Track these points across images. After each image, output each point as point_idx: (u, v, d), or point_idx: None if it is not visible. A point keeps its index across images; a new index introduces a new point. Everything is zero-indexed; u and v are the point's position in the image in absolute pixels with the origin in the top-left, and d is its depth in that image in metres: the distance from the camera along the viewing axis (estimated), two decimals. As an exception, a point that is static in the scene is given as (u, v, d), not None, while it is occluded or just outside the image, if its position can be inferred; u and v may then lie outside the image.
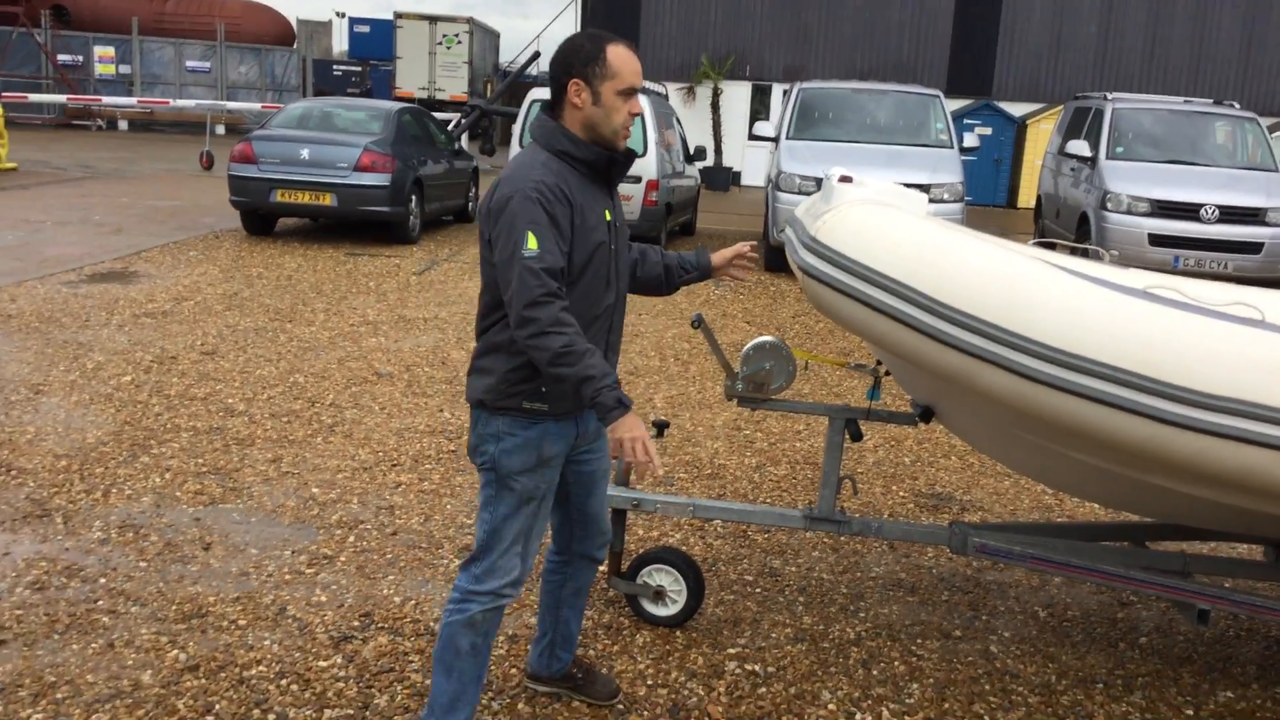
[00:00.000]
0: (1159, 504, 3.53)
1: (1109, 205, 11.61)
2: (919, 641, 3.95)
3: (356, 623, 3.82)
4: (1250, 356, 2.89)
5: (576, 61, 2.72)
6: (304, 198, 11.96)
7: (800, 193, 11.39)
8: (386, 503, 4.93)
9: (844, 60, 23.47)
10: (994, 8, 23.23)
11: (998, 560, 3.76)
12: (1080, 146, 12.46)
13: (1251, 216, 11.36)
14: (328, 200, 11.97)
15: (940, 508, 5.33)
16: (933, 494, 5.52)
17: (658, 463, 2.61)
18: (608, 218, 2.82)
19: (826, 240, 3.27)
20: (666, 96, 15.11)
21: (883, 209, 3.32)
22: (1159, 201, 11.49)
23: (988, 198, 22.29)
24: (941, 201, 11.21)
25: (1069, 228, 12.78)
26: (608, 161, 2.78)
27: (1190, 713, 3.59)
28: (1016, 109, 22.76)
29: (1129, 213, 11.52)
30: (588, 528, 3.18)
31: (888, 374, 3.99)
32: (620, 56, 2.72)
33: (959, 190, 11.42)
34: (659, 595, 3.89)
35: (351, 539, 4.52)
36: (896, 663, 3.78)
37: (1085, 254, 4.04)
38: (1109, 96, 13.00)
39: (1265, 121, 21.57)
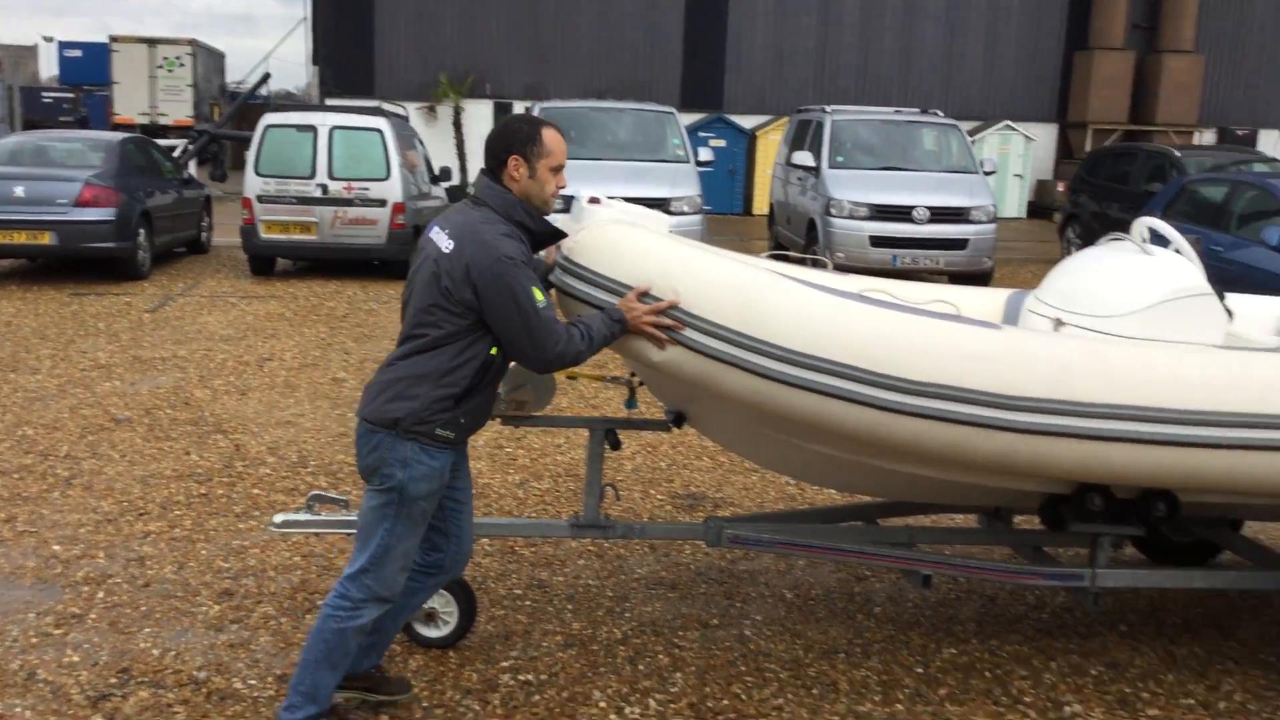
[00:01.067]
0: (887, 484, 3.90)
1: (833, 211, 12.41)
2: (680, 634, 4.18)
3: (114, 679, 3.70)
4: (950, 347, 3.28)
5: (516, 141, 3.19)
6: (19, 237, 11.22)
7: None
8: (136, 554, 4.76)
9: (582, 79, 23.97)
10: (719, 26, 24.29)
11: (749, 549, 4.04)
12: (805, 157, 13.25)
13: (957, 216, 12.41)
14: (46, 239, 11.27)
15: (695, 507, 5.61)
16: (688, 494, 5.80)
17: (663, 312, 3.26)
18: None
19: (578, 259, 3.44)
20: (407, 118, 15.03)
21: (630, 228, 3.52)
22: (877, 206, 12.37)
23: (725, 207, 23.27)
24: (682, 214, 11.67)
25: (799, 233, 13.56)
26: (550, 237, 3.30)
27: (920, 670, 3.97)
28: (747, 121, 23.86)
29: (851, 217, 12.35)
30: (462, 546, 3.55)
31: (642, 384, 4.21)
32: (553, 138, 3.21)
33: (697, 202, 11.92)
34: (430, 617, 3.96)
35: (101, 594, 4.35)
36: (661, 656, 4.00)
37: (813, 263, 4.42)
38: (827, 109, 13.88)
39: (965, 126, 23.49)
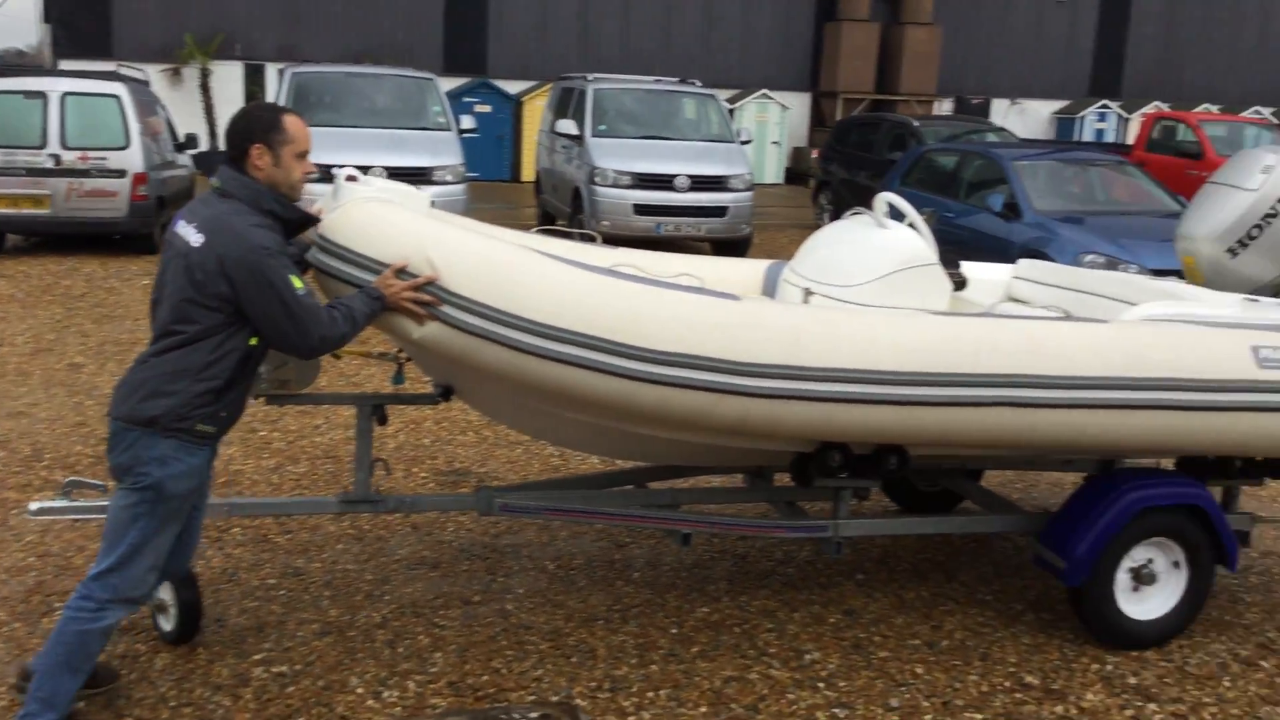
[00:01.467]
0: (647, 449, 4.05)
1: (597, 180, 12.55)
2: (441, 613, 4.20)
3: None
4: (692, 317, 3.43)
5: (257, 129, 3.18)
6: None
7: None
8: None
9: (338, 41, 23.20)
10: (481, -12, 24.01)
11: (519, 516, 4.13)
12: (568, 125, 13.32)
13: (716, 184, 12.78)
14: None
15: (460, 482, 5.62)
16: (452, 470, 5.81)
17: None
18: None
19: (335, 238, 3.44)
20: (148, 83, 14.18)
21: (385, 205, 3.52)
22: (640, 174, 12.59)
23: (493, 174, 23.11)
24: (445, 183, 11.54)
25: (565, 201, 13.65)
26: (300, 224, 3.31)
27: (675, 631, 4.15)
28: (512, 87, 23.73)
29: (615, 186, 12.52)
30: (190, 545, 3.54)
31: (409, 359, 4.21)
32: (295, 123, 3.22)
33: (460, 171, 11.81)
34: (161, 608, 3.83)
35: None
36: (421, 636, 4.01)
37: (583, 237, 4.62)
38: (589, 78, 13.99)
39: (724, 95, 24.15)
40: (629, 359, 3.37)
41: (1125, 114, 26.36)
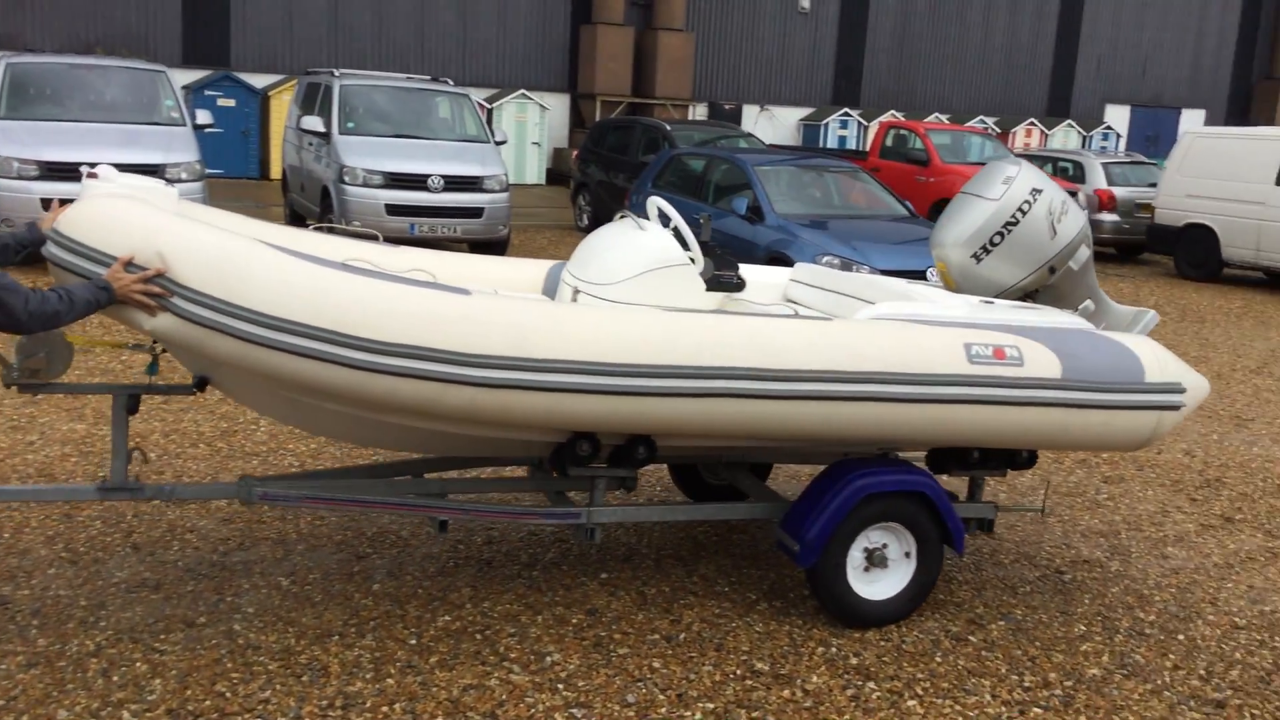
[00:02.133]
0: (403, 439, 4.11)
1: (346, 179, 12.21)
2: (162, 637, 3.98)
3: None
4: (417, 310, 3.56)
5: None
6: None
7: (18, 178, 10.43)
8: None
9: (67, 29, 21.65)
10: (224, -22, 22.91)
11: (278, 504, 4.15)
12: (315, 122, 12.91)
13: (471, 184, 12.68)
14: None
15: (188, 500, 5.33)
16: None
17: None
18: None
19: (67, 232, 3.53)
20: None
21: (117, 200, 3.58)
22: (391, 174, 12.33)
23: (239, 170, 22.14)
24: (180, 181, 10.97)
25: (314, 200, 13.22)
26: None
27: (414, 642, 4.08)
28: (258, 80, 22.79)
29: (365, 185, 12.22)
30: None
31: (165, 350, 4.20)
32: None
33: (197, 169, 11.25)
34: None
35: None
36: (139, 663, 3.78)
37: (368, 236, 4.77)
38: (336, 73, 13.59)
39: (483, 94, 24.01)
40: (357, 350, 3.49)
41: (865, 122, 27.88)
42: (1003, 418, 4.21)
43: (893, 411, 4.07)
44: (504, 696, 3.74)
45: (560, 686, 3.83)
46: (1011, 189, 4.84)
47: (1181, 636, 4.51)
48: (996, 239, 4.87)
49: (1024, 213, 4.81)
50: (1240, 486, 6.51)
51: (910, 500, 4.38)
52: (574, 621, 4.32)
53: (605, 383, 3.70)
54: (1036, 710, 3.88)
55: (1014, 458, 4.75)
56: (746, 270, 5.36)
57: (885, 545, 4.42)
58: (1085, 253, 4.95)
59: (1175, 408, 4.41)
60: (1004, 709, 3.87)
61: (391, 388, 3.55)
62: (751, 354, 3.86)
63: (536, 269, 5.07)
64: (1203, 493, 6.35)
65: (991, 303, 4.73)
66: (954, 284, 5.11)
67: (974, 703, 3.90)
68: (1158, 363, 4.43)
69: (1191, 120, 33.09)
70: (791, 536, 4.30)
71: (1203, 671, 4.23)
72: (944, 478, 5.86)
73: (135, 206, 3.55)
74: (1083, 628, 4.54)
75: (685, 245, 5.05)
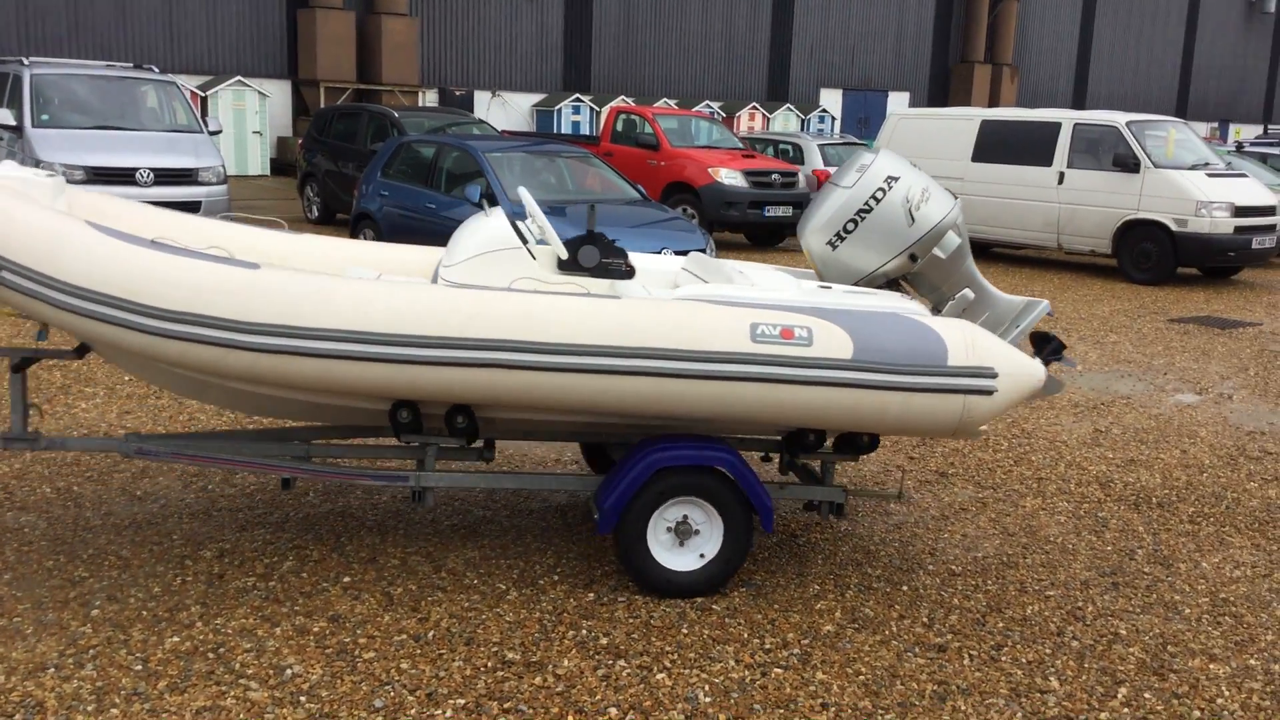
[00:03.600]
0: (252, 403, 4.66)
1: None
2: None
3: None
4: (202, 282, 4.03)
5: None
6: None
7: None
8: None
9: None
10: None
11: (153, 459, 4.65)
12: (4, 115, 11.85)
13: (184, 177, 11.99)
14: None
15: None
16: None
17: None
18: None
19: None
20: None
21: None
22: (94, 168, 11.50)
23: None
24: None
25: None
26: None
27: (139, 668, 3.81)
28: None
29: (66, 181, 11.31)
30: None
31: None
32: None
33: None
34: None
35: None
36: None
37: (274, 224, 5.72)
38: (26, 61, 12.51)
39: (195, 81, 22.71)
40: (149, 317, 3.99)
41: (596, 107, 28.21)
42: (790, 397, 4.27)
43: (669, 387, 4.20)
44: (242, 715, 3.55)
45: (303, 699, 3.68)
46: (865, 176, 4.91)
47: (905, 587, 4.82)
48: (850, 225, 4.93)
49: (877, 200, 4.86)
50: (951, 443, 7.02)
51: (708, 475, 4.47)
52: (315, 630, 4.16)
53: (372, 350, 4.04)
54: (777, 670, 4.04)
55: (854, 441, 4.79)
56: (643, 259, 5.42)
57: (686, 518, 4.51)
58: (954, 240, 4.95)
59: (986, 392, 4.34)
60: (747, 672, 4.01)
61: (182, 351, 4.05)
62: (515, 326, 4.11)
63: (432, 255, 5.54)
64: (919, 450, 6.80)
65: (828, 288, 4.84)
66: (817, 271, 5.19)
67: (719, 669, 4.02)
68: (966, 346, 4.36)
69: (898, 102, 35.38)
70: (596, 505, 4.47)
71: (925, 619, 4.52)
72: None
73: None
74: (816, 587, 4.77)
75: (540, 233, 5.17)
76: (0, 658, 3.82)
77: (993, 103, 35.87)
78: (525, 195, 5.07)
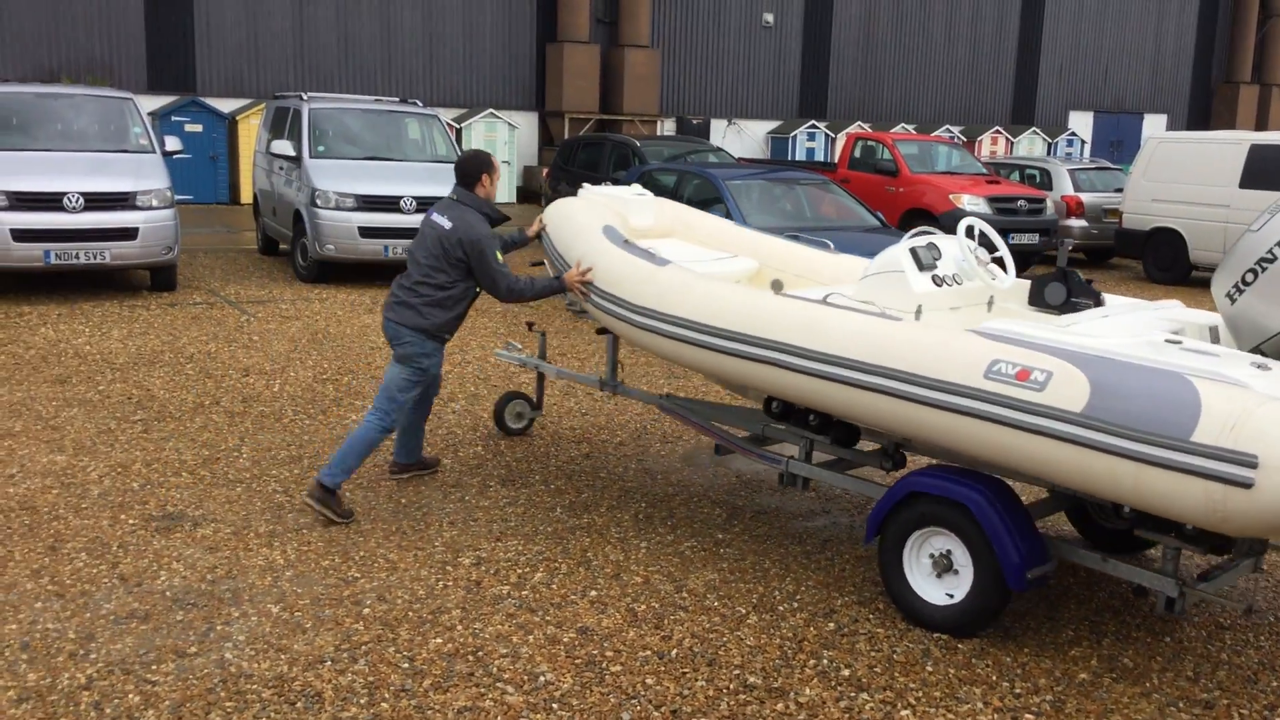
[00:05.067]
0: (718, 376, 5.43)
1: (319, 202, 12.18)
2: (153, 668, 3.96)
3: None
4: (729, 301, 5.07)
5: (486, 167, 5.55)
6: None
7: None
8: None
9: (30, 58, 21.50)
10: (185, 0, 22.84)
11: (670, 415, 6.02)
12: (285, 146, 12.87)
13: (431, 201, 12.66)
14: None
15: (173, 529, 5.31)
16: (165, 515, 5.48)
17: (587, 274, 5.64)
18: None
19: (550, 233, 6.12)
20: None
21: (583, 211, 6.10)
22: (364, 196, 12.31)
23: (209, 196, 22.01)
24: (151, 209, 10.92)
25: (286, 224, 13.17)
26: (496, 220, 5.61)
27: (406, 665, 4.07)
28: (225, 105, 22.68)
29: (338, 208, 12.19)
30: (435, 389, 6.03)
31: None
32: (498, 165, 5.58)
33: (167, 196, 11.19)
34: None
35: None
36: (131, 695, 3.76)
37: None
38: (305, 96, 13.57)
39: (450, 114, 24.02)
40: (713, 335, 5.09)
41: (831, 133, 28.06)
42: (1013, 441, 4.02)
43: (902, 409, 4.33)
44: (499, 718, 3.74)
45: (555, 706, 3.83)
46: (1274, 220, 4.19)
47: (1168, 639, 4.57)
48: (1250, 276, 4.23)
49: None
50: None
51: (958, 511, 4.40)
52: (565, 640, 4.33)
53: (699, 339, 5.08)
54: (1028, 716, 3.91)
55: (1181, 530, 4.09)
56: (1119, 300, 5.22)
57: (950, 553, 4.47)
58: None
59: (1240, 484, 3.55)
60: (995, 715, 3.90)
61: (675, 351, 5.28)
62: (798, 334, 4.69)
63: (856, 264, 6.19)
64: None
65: (1177, 342, 4.23)
66: (1230, 333, 4.53)
67: (965, 710, 3.93)
68: (1226, 421, 3.61)
69: (1154, 125, 33.52)
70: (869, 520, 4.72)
71: (1190, 673, 4.28)
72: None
73: (584, 224, 5.93)
74: (1070, 632, 4.58)
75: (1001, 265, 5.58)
76: (284, 648, 4.16)
77: (1260, 126, 33.46)
78: (981, 224, 5.45)
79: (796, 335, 4.68)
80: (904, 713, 3.90)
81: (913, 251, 5.28)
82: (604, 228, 5.89)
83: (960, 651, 4.36)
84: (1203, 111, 34.35)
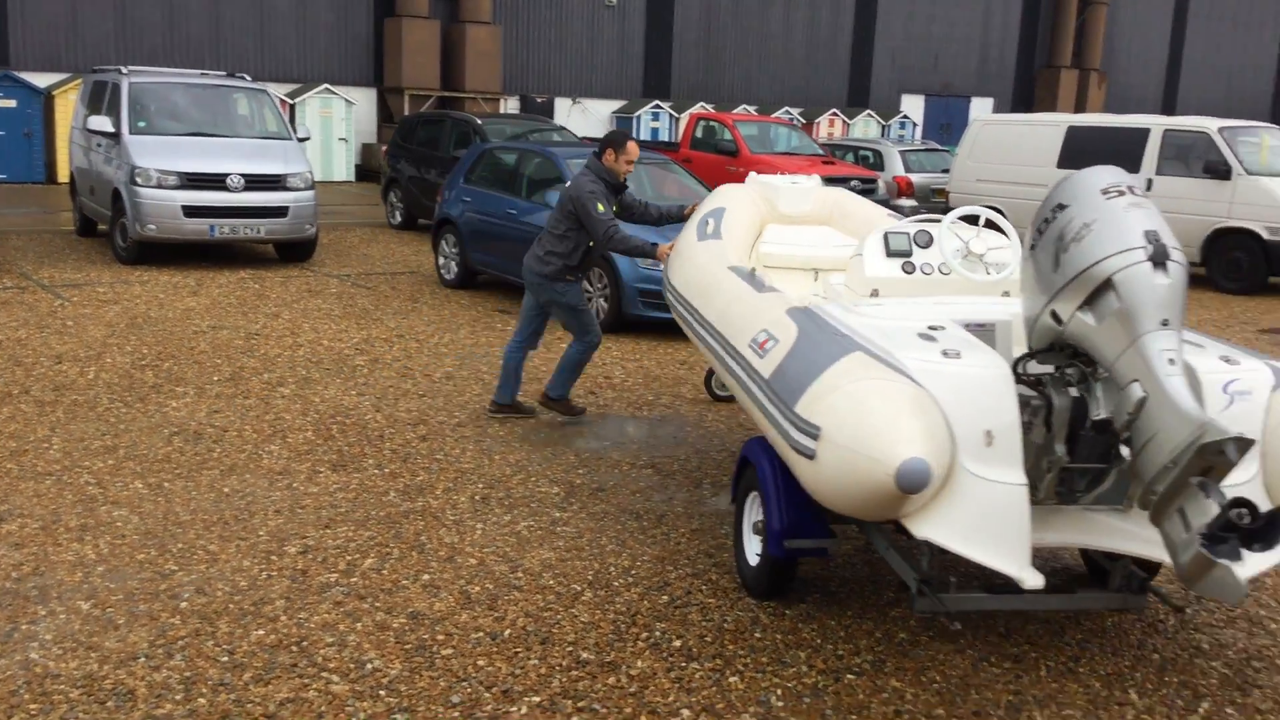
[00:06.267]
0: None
1: (139, 180, 11.64)
2: (-53, 674, 3.72)
3: None
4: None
5: (612, 144, 6.54)
6: None
7: None
8: None
9: None
10: (-4, -31, 21.46)
11: None
12: (103, 122, 12.25)
13: (273, 183, 12.28)
14: None
15: (-26, 524, 5.01)
16: (-35, 511, 5.16)
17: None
18: (614, 208, 6.61)
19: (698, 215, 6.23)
20: None
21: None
22: (188, 174, 11.83)
23: (24, 175, 20.78)
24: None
25: (105, 204, 12.55)
26: (618, 187, 6.61)
27: (226, 659, 3.93)
28: (41, 79, 21.44)
29: (160, 187, 11.67)
30: (537, 339, 7.05)
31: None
32: (631, 145, 6.52)
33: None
34: None
35: None
36: (-79, 705, 3.53)
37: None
38: (124, 70, 12.93)
39: (284, 89, 23.27)
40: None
41: (676, 114, 28.28)
42: (749, 404, 4.46)
43: (729, 374, 4.82)
44: (323, 708, 3.65)
45: (382, 693, 3.77)
46: (1044, 202, 3.86)
47: (981, 597, 4.77)
48: (1026, 261, 3.95)
49: (1040, 232, 3.80)
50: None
51: (755, 473, 4.58)
52: (395, 626, 4.25)
53: None
54: (850, 676, 4.03)
55: None
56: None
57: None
58: (1111, 304, 3.48)
59: (806, 454, 3.71)
60: (820, 677, 4.01)
61: None
62: (700, 299, 5.40)
63: None
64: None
65: (941, 328, 4.09)
66: None
67: (792, 674, 4.02)
68: (815, 393, 3.75)
69: (981, 108, 34.86)
70: None
71: (1002, 628, 4.48)
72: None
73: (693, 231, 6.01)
74: (891, 594, 4.74)
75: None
76: (94, 646, 3.97)
77: (1079, 109, 35.17)
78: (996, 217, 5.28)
79: (700, 301, 5.26)
80: (732, 679, 3.97)
81: (885, 236, 5.29)
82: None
83: (788, 617, 4.46)
84: (1026, 95, 35.89)
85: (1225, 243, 13.84)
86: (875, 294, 5.16)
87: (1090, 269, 3.47)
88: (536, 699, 3.77)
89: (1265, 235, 13.46)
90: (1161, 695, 3.99)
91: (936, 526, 3.59)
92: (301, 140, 13.31)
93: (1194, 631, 4.49)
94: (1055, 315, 3.70)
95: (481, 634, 4.22)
